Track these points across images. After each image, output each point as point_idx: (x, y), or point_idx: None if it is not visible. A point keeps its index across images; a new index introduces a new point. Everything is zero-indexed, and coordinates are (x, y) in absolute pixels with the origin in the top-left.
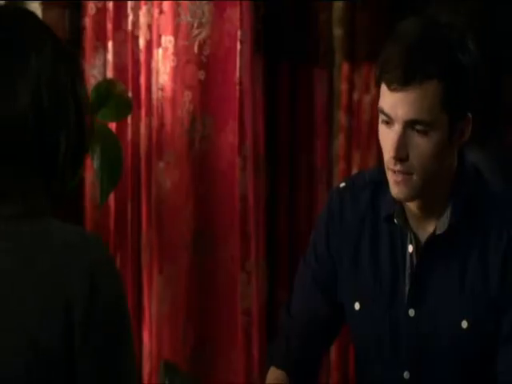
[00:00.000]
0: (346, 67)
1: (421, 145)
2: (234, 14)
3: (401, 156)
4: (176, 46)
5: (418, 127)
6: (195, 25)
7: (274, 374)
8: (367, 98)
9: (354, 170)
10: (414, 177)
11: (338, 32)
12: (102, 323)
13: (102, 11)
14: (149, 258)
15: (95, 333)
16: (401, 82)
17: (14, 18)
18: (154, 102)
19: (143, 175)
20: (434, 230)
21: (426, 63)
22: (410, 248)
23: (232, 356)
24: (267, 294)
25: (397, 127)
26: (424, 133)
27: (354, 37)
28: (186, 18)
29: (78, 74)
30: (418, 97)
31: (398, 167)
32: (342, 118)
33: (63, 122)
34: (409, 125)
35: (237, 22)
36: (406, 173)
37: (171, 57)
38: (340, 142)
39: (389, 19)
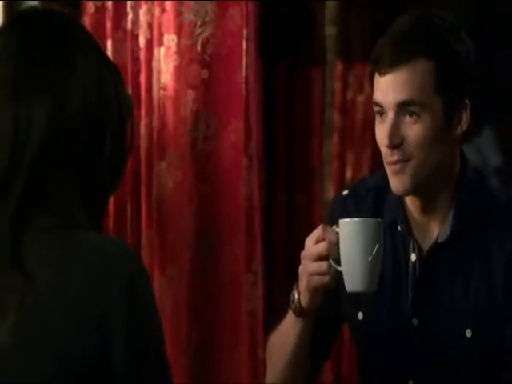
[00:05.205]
0: (339, 67)
1: (414, 129)
2: (237, 12)
3: (395, 143)
4: (179, 44)
5: (411, 108)
6: (198, 23)
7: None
8: (361, 98)
9: (348, 170)
10: (412, 162)
11: (331, 31)
12: (143, 332)
13: (101, 10)
14: (150, 259)
15: (138, 342)
16: (389, 64)
17: (55, 18)
18: (156, 102)
19: (143, 176)
20: (437, 238)
21: (413, 43)
22: (413, 257)
23: (237, 358)
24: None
25: (389, 115)
26: (417, 115)
27: (348, 36)
28: (188, 16)
29: (119, 76)
30: (407, 76)
31: (394, 157)
32: (335, 117)
33: (108, 127)
34: (401, 109)
35: (241, 21)
36: (403, 160)
37: (174, 56)
38: (334, 141)
39: (383, 18)
